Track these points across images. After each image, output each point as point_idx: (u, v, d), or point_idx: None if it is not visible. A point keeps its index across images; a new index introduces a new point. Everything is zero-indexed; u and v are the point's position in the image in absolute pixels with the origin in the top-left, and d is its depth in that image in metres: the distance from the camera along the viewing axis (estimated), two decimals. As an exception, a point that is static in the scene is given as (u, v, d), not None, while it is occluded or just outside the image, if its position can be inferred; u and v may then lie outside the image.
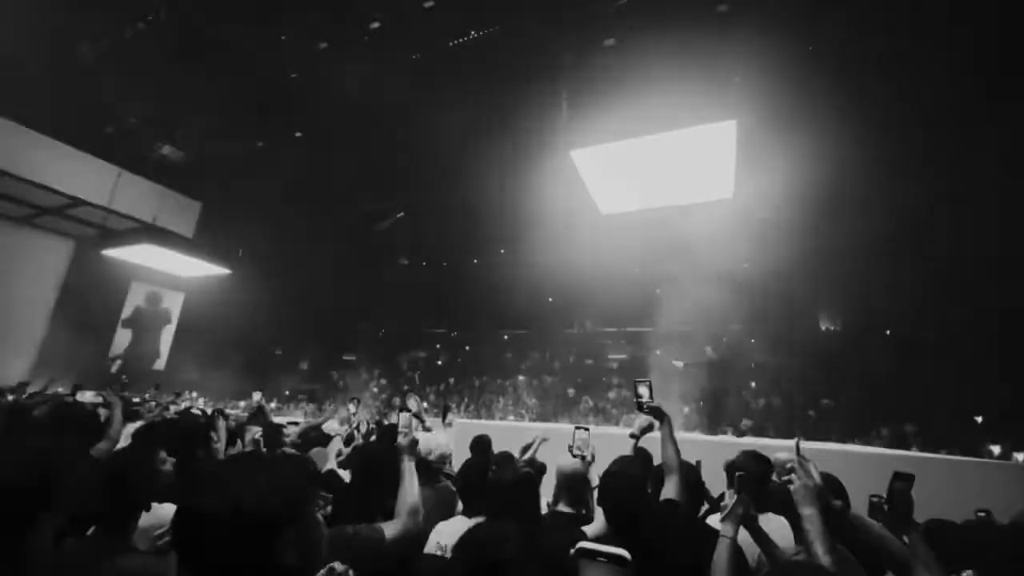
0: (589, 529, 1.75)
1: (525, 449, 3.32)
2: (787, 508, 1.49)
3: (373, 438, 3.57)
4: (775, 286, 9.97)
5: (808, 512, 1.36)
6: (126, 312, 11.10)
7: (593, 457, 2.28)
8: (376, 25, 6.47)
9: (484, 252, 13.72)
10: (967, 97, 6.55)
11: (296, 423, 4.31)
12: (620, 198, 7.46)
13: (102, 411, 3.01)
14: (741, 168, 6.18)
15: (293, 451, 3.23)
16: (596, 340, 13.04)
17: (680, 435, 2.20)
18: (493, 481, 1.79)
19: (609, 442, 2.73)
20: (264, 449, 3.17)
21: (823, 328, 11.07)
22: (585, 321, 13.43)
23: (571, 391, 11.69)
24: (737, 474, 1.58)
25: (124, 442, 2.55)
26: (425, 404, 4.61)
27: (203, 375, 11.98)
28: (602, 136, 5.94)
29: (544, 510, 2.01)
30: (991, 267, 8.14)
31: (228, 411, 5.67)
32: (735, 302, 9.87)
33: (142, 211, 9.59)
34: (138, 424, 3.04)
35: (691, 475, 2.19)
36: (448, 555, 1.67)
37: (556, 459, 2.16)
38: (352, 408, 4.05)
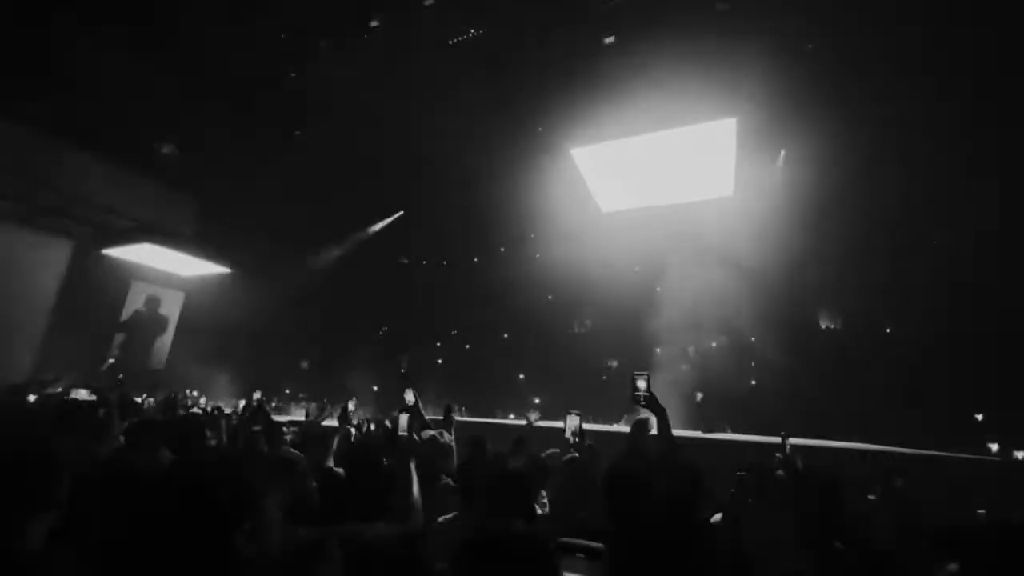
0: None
1: (517, 442, 3.30)
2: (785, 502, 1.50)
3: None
4: (776, 284, 9.95)
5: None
6: (126, 314, 11.09)
7: (577, 436, 2.49)
8: (375, 24, 6.47)
9: (484, 251, 13.70)
10: (967, 97, 6.54)
11: (296, 423, 4.31)
12: (621, 196, 7.46)
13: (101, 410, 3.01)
14: (741, 166, 6.18)
15: (293, 450, 3.23)
16: (596, 338, 13.03)
17: (678, 433, 2.21)
18: (491, 479, 1.79)
19: (609, 440, 2.74)
20: (265, 447, 3.17)
21: (823, 327, 11.05)
22: (585, 320, 13.41)
23: (571, 390, 11.67)
24: (738, 473, 1.60)
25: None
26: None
27: (203, 374, 11.97)
28: (603, 134, 5.94)
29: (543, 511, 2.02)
30: (991, 267, 8.12)
31: (227, 410, 5.66)
32: (736, 299, 9.84)
33: (142, 210, 9.58)
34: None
35: (690, 474, 2.19)
36: None
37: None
38: (351, 407, 4.06)
